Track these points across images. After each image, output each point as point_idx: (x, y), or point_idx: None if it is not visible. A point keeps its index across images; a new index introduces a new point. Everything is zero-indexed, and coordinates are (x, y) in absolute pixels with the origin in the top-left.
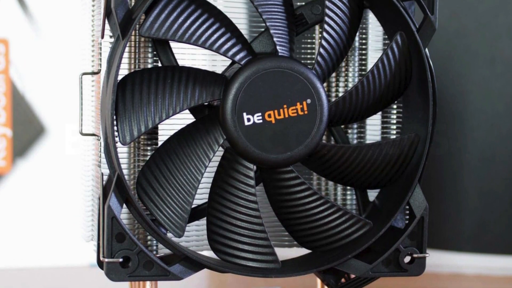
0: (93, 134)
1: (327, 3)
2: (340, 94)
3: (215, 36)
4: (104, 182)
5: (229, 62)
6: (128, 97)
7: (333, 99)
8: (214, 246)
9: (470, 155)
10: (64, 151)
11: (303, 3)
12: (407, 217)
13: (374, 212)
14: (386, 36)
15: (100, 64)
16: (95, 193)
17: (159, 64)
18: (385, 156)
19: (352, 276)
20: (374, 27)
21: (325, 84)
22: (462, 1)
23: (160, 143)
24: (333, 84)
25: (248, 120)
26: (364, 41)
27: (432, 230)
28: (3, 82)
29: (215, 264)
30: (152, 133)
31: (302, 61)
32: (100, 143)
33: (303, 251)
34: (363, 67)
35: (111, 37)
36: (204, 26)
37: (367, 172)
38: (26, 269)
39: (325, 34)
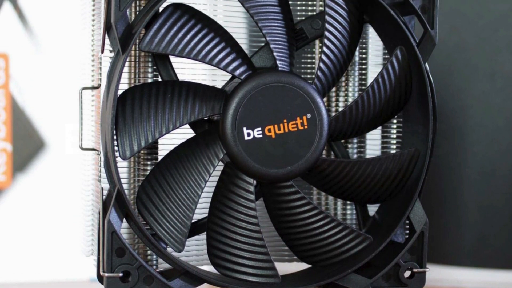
0: (93, 149)
1: (327, 17)
2: (340, 109)
3: (215, 50)
4: (104, 196)
5: (229, 76)
6: (128, 111)
7: (333, 114)
8: (214, 261)
9: (470, 170)
10: (64, 165)
11: (303, 18)
12: (407, 231)
13: (374, 226)
14: (386, 51)
15: (100, 79)
16: (95, 207)
17: (159, 79)
18: (385, 171)
19: None
20: (374, 42)
21: (325, 99)
22: (462, 15)
23: (160, 157)
24: (333, 99)
25: (248, 134)
26: (364, 56)
27: (432, 244)
28: (3, 97)
29: (215, 279)
30: (152, 147)
31: (302, 76)
32: (100, 157)
33: (303, 266)
34: (363, 82)
35: (111, 51)
36: (204, 41)
37: (367, 187)
38: (26, 284)
39: (325, 49)
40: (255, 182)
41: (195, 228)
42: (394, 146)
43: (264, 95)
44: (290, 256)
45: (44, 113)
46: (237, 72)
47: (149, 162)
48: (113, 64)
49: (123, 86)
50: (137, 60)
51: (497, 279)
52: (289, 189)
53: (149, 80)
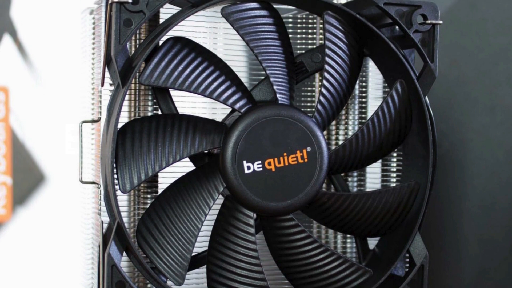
0: (93, 182)
1: (327, 51)
2: (340, 142)
3: (215, 84)
4: (104, 230)
5: (229, 110)
6: (128, 145)
7: (333, 147)
8: None
9: (470, 203)
10: (64, 199)
11: (303, 51)
12: (407, 265)
13: (374, 260)
14: (386, 84)
15: (100, 112)
16: (95, 241)
17: (159, 112)
18: (385, 204)
19: None
20: (374, 75)
21: (325, 132)
22: (462, 49)
23: (160, 191)
24: (333, 132)
25: (248, 168)
26: (364, 89)
27: (432, 278)
28: (3, 130)
29: None
30: (152, 181)
31: (302, 109)
32: (100, 191)
33: None
34: (363, 115)
35: (111, 85)
36: (204, 74)
37: (367, 220)
38: None
39: (325, 82)
40: (255, 215)
41: (195, 261)
42: (394, 180)
43: (264, 129)
44: None
45: (44, 147)
46: (237, 106)
47: (149, 196)
48: (113, 97)
49: (123, 119)
50: (137, 93)
51: None
52: (289, 223)
53: (149, 114)
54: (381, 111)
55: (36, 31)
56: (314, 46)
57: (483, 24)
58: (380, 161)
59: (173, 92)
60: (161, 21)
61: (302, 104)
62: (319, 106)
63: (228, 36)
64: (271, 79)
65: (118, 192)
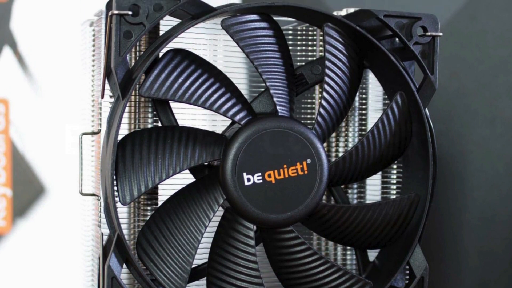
0: (93, 194)
1: (327, 63)
2: (340, 154)
3: (215, 96)
4: (104, 242)
5: (229, 122)
6: (128, 157)
7: (333, 159)
8: None
9: (470, 215)
10: (64, 211)
11: (303, 63)
12: (407, 277)
13: (374, 272)
14: (386, 96)
15: (100, 124)
16: (95, 253)
17: (159, 124)
18: (385, 216)
19: None
20: (374, 87)
21: (325, 144)
22: (462, 61)
23: (160, 203)
24: (333, 144)
25: (248, 180)
26: (364, 101)
27: None
28: (3, 142)
29: None
30: (152, 193)
31: (302, 121)
32: (100, 203)
33: None
34: (363, 127)
35: (111, 97)
36: (204, 86)
37: (367, 232)
38: None
39: (325, 94)
40: (255, 227)
41: (195, 273)
42: (394, 192)
43: (264, 141)
44: None
45: (44, 159)
46: (237, 118)
47: (149, 208)
48: (113, 109)
49: (123, 131)
50: (137, 105)
51: None
52: (289, 235)
53: (149, 126)
54: (381, 123)
55: (36, 43)
56: (314, 58)
57: (483, 36)
58: (380, 173)
59: (173, 104)
60: (161, 33)
61: (302, 116)
62: (319, 118)
63: (228, 48)
64: (271, 91)
65: (118, 204)
